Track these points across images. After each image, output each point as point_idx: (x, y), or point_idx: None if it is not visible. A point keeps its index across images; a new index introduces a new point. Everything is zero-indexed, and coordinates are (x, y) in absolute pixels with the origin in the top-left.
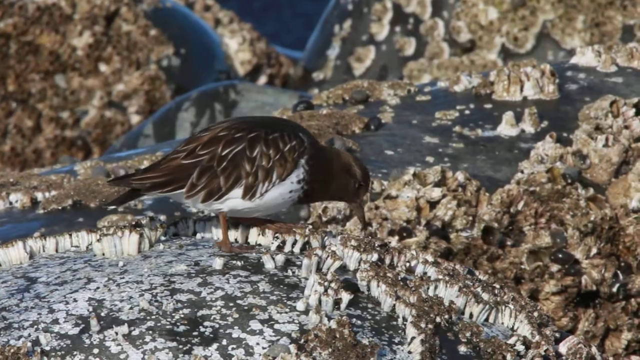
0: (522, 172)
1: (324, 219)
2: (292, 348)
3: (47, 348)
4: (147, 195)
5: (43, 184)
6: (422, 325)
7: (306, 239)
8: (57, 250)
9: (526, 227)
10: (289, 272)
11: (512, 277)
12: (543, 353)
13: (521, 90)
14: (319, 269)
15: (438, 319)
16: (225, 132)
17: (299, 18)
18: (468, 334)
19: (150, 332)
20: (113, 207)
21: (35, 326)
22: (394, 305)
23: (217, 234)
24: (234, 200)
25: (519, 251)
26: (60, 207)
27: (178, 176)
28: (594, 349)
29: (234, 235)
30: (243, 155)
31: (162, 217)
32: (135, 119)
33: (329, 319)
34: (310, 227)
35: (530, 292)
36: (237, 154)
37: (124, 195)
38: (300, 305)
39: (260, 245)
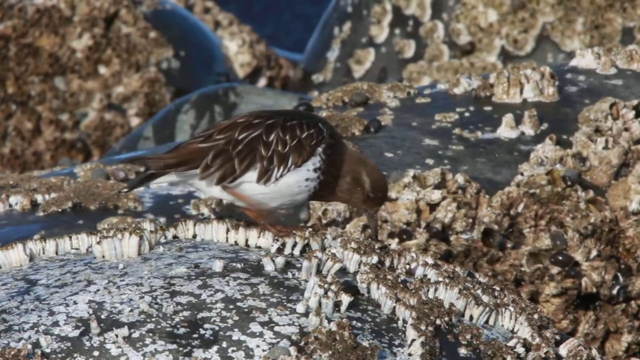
0: (522, 174)
1: (324, 221)
2: (292, 350)
3: (48, 350)
4: (161, 178)
5: (43, 186)
6: (422, 327)
7: (306, 241)
8: (57, 253)
9: (526, 229)
10: (289, 275)
11: (512, 280)
12: (543, 355)
13: (521, 92)
14: (319, 271)
15: (438, 321)
16: (244, 119)
17: (298, 20)
18: (468, 336)
19: (151, 334)
20: (127, 190)
21: (36, 328)
22: (394, 307)
23: (216, 235)
24: (249, 184)
25: (519, 253)
26: (60, 210)
27: (193, 157)
28: (594, 351)
29: (234, 237)
30: (259, 140)
31: (162, 220)
32: (134, 121)
33: (329, 321)
34: (310, 229)
35: (531, 294)
36: (253, 138)
37: (139, 178)
38: (300, 308)
39: (303, 226)
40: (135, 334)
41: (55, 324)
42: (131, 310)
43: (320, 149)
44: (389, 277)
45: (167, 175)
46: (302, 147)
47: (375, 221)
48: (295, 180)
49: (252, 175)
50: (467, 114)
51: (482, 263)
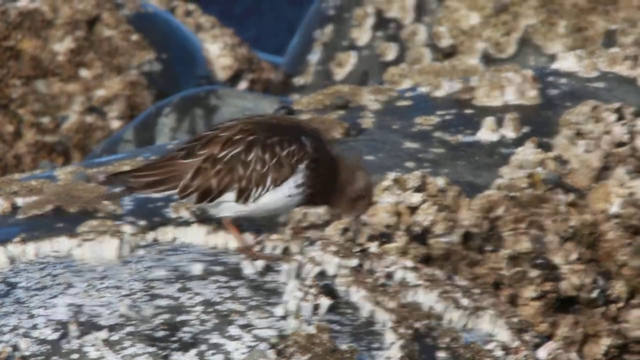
0: (502, 177)
1: (304, 224)
2: (271, 353)
3: (27, 353)
4: (142, 193)
5: (23, 189)
6: (401, 330)
7: (286, 244)
8: (37, 256)
9: (506, 232)
10: (269, 278)
11: (492, 283)
12: (522, 358)
13: (502, 95)
14: (298, 275)
15: (417, 325)
16: (227, 132)
17: (280, 23)
18: (447, 340)
19: (130, 337)
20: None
21: (15, 331)
22: (373, 310)
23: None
24: (228, 204)
25: (499, 257)
26: (40, 213)
27: (173, 176)
28: (573, 355)
29: (214, 240)
30: (238, 159)
31: (142, 223)
32: (115, 124)
33: (308, 324)
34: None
35: (510, 297)
36: (233, 157)
37: (121, 192)
38: (279, 311)
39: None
40: (115, 337)
41: (35, 327)
42: (110, 313)
43: (302, 166)
44: (368, 280)
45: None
46: (281, 166)
47: (359, 224)
48: (276, 199)
49: (230, 195)
50: (448, 117)
51: (462, 266)
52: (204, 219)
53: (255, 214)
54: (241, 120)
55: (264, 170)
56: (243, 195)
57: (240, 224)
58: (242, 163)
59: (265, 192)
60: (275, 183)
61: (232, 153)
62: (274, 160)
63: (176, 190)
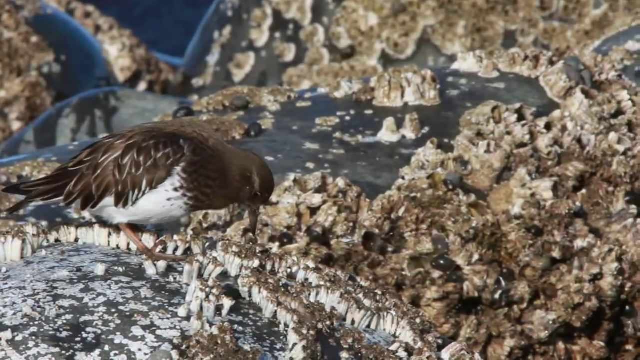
0: (403, 178)
1: (205, 225)
2: (174, 354)
3: None
4: (36, 201)
5: None
6: (304, 331)
7: (187, 244)
8: None
9: (407, 233)
10: (171, 278)
11: (394, 284)
12: (425, 359)
13: (402, 96)
14: (200, 275)
15: (320, 325)
16: (110, 139)
17: (179, 24)
18: (350, 340)
19: (34, 337)
20: (10, 213)
21: None
22: (276, 311)
23: (98, 239)
24: (110, 208)
25: (400, 257)
26: None
27: (61, 184)
28: (476, 356)
29: (116, 241)
30: (115, 163)
31: (44, 223)
32: (16, 125)
33: (211, 325)
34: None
35: (412, 298)
36: (111, 161)
37: (19, 202)
38: (181, 312)
39: (188, 253)
40: (19, 337)
41: None
42: (14, 314)
43: (178, 168)
44: (270, 281)
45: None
46: (156, 168)
47: (257, 217)
48: (155, 202)
49: (109, 200)
50: (347, 118)
51: (363, 267)
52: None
53: (139, 218)
54: (131, 127)
55: (139, 173)
56: (121, 199)
57: (143, 226)
58: (118, 167)
59: (142, 195)
60: (151, 185)
61: (111, 157)
62: (148, 163)
63: (62, 197)
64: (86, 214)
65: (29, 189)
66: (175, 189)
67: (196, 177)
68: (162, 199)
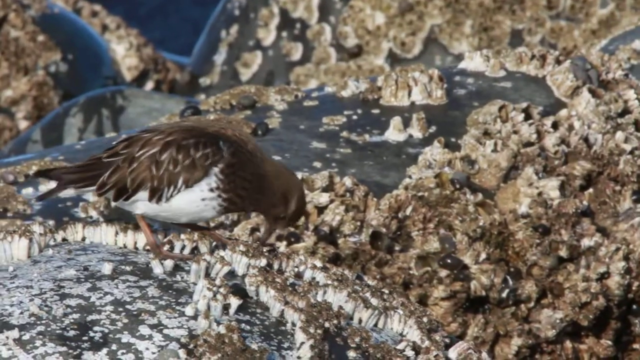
0: (410, 177)
1: (212, 224)
2: (181, 353)
3: None
4: (67, 189)
5: None
6: (311, 330)
7: (194, 243)
8: None
9: (414, 232)
10: (178, 277)
11: (401, 283)
12: (433, 358)
13: (409, 95)
14: (207, 274)
15: (327, 324)
16: (149, 134)
17: (186, 23)
18: (357, 339)
19: (41, 336)
20: (40, 200)
21: None
22: (283, 310)
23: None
24: (142, 203)
25: (408, 256)
26: None
27: (94, 173)
28: (484, 355)
29: (123, 240)
30: (153, 158)
31: (51, 222)
32: (23, 124)
33: (218, 324)
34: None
35: (419, 297)
36: (149, 156)
37: (50, 189)
38: (189, 311)
39: (196, 252)
40: (26, 336)
41: None
42: (21, 313)
43: (216, 169)
44: (277, 280)
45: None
46: (194, 167)
47: (271, 234)
48: (189, 200)
49: (143, 194)
50: (354, 117)
51: (371, 266)
52: (112, 218)
53: (170, 215)
54: (169, 123)
55: (176, 170)
56: (155, 195)
57: (151, 224)
58: (155, 163)
59: (177, 192)
60: (187, 184)
61: (149, 152)
62: (186, 162)
63: (95, 187)
64: (94, 213)
65: (61, 176)
66: (211, 190)
67: (233, 178)
68: (197, 199)
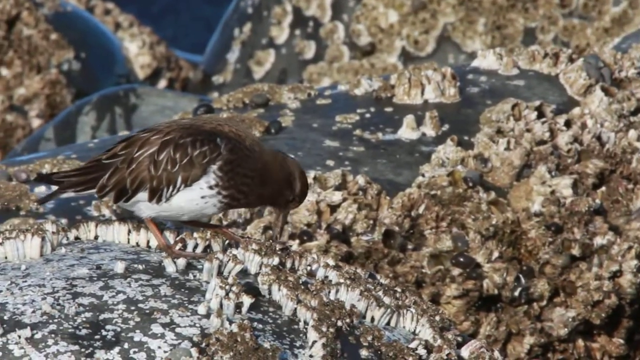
0: (423, 175)
1: (225, 222)
2: (194, 352)
3: None
4: (68, 192)
5: None
6: (324, 329)
7: (207, 242)
8: None
9: (427, 230)
10: (190, 276)
11: (413, 281)
12: (445, 357)
13: (422, 93)
14: (220, 273)
15: (339, 323)
16: (146, 133)
17: (198, 21)
18: (369, 338)
19: (53, 335)
20: (41, 204)
21: None
22: (295, 309)
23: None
24: (143, 203)
25: (420, 255)
26: None
27: (94, 176)
28: (496, 353)
29: (136, 238)
30: (151, 158)
31: (64, 221)
32: (36, 122)
33: (230, 322)
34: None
35: (432, 296)
36: (147, 157)
37: (50, 193)
38: (201, 309)
39: (208, 251)
40: (38, 335)
41: None
42: (34, 312)
43: (214, 167)
44: (290, 278)
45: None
46: (192, 166)
47: (285, 221)
48: (189, 199)
49: (143, 195)
50: (367, 115)
51: (383, 264)
52: (125, 217)
53: (171, 214)
54: (168, 122)
55: (175, 170)
56: (155, 195)
57: (163, 223)
58: (154, 162)
59: (176, 192)
60: (186, 183)
61: (147, 153)
62: (184, 160)
63: (95, 190)
64: (106, 212)
65: (61, 180)
66: (210, 187)
67: (232, 175)
68: (197, 197)
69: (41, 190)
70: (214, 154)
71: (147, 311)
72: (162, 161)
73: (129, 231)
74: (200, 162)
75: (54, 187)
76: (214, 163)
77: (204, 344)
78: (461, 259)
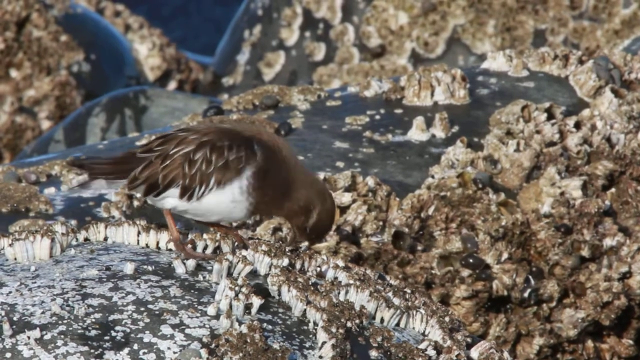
0: (432, 177)
1: (234, 224)
2: (203, 352)
3: None
4: (98, 180)
5: None
6: (333, 330)
7: (217, 243)
8: None
9: (437, 232)
10: (200, 277)
11: (423, 282)
12: (454, 358)
13: (432, 95)
14: (229, 274)
15: (349, 324)
16: (185, 133)
17: (208, 23)
18: (379, 339)
19: (62, 336)
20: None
21: None
22: (305, 310)
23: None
24: (173, 199)
25: (430, 256)
26: None
27: (127, 167)
28: (505, 354)
29: (145, 239)
30: (187, 157)
31: (73, 222)
32: (45, 124)
33: (240, 323)
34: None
35: (441, 297)
36: (182, 155)
37: (83, 181)
38: (211, 310)
39: (218, 252)
40: (47, 336)
41: None
42: (43, 312)
43: (249, 172)
44: (299, 279)
45: (100, 180)
46: (227, 169)
47: (293, 242)
48: (219, 200)
49: (174, 191)
50: (377, 117)
51: (393, 266)
52: (134, 218)
53: (200, 213)
54: (207, 124)
55: (209, 170)
56: (186, 193)
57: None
58: (189, 161)
59: (208, 192)
60: (219, 185)
61: (183, 151)
62: (220, 162)
63: (126, 181)
64: (116, 213)
65: (94, 165)
66: (242, 192)
67: (263, 184)
68: (227, 200)
69: (51, 191)
70: (250, 160)
71: (157, 312)
72: (197, 161)
73: (139, 232)
74: (235, 166)
75: (64, 189)
76: (249, 168)
77: (213, 345)
78: (471, 260)
